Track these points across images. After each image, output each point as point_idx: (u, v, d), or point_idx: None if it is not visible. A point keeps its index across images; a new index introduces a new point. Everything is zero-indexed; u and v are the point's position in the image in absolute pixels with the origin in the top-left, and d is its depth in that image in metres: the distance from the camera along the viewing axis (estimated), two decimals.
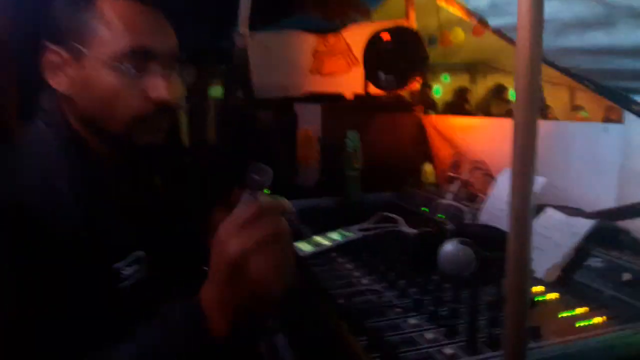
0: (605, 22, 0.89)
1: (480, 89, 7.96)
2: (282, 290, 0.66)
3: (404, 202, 1.73)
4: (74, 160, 0.81)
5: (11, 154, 0.79)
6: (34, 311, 0.67)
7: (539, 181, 1.22)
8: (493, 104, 7.64)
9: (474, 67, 7.83)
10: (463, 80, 7.83)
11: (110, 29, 0.80)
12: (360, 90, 2.03)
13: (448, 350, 0.80)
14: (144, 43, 0.81)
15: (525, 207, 0.55)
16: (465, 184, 1.59)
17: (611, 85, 1.15)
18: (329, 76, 2.39)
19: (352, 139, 1.64)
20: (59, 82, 0.82)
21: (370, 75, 1.91)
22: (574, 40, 0.99)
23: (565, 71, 1.27)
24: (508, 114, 7.18)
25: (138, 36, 0.81)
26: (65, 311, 0.69)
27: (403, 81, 1.81)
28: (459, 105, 7.30)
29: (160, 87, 0.83)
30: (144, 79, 0.82)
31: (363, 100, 1.95)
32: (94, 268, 0.75)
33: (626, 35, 0.92)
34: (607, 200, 1.24)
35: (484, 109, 7.49)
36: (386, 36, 1.77)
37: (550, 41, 1.04)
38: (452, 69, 7.42)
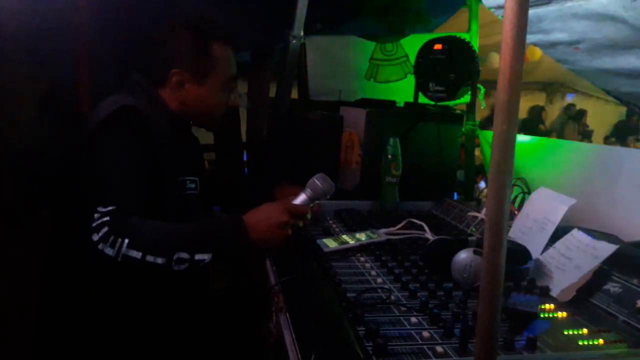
0: (635, 45, 0.88)
1: (556, 109, 7.65)
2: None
3: (440, 213, 1.74)
4: (163, 108, 1.29)
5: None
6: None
7: (569, 202, 1.21)
8: (568, 126, 7.32)
9: (550, 87, 7.53)
10: (539, 100, 7.55)
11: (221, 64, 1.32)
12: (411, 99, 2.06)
13: (439, 349, 0.83)
14: (234, 72, 1.37)
15: (500, 213, 0.58)
16: None
17: None
18: (384, 83, 2.44)
19: (393, 145, 1.68)
20: (179, 95, 1.30)
21: (421, 84, 1.93)
22: (608, 62, 0.98)
23: (609, 93, 1.26)
24: (585, 137, 6.82)
25: (233, 68, 1.36)
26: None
27: (452, 93, 1.81)
28: (533, 124, 7.04)
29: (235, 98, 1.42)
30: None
31: (412, 108, 1.97)
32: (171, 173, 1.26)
33: None
34: None
35: (558, 131, 7.19)
36: (438, 46, 1.78)
37: (586, 61, 1.05)
38: (528, 87, 7.16)
